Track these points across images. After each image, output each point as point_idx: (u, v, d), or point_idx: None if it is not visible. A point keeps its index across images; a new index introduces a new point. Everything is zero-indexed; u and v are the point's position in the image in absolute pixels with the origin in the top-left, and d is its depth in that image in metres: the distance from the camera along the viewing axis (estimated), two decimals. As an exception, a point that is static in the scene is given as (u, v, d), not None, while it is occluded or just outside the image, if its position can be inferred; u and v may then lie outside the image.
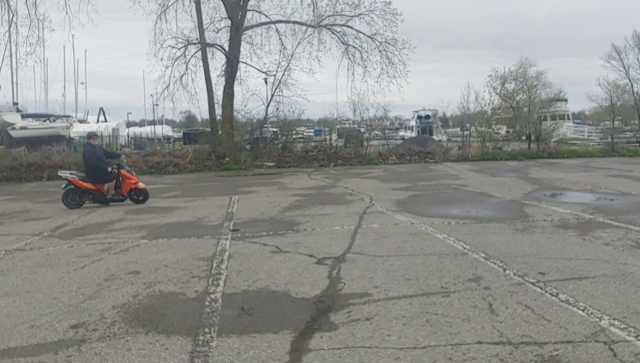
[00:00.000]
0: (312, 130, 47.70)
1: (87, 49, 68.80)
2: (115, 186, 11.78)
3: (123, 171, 11.79)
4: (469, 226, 8.25)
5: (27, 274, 6.03)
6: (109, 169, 11.54)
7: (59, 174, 12.47)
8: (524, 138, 29.89)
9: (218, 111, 23.59)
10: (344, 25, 23.83)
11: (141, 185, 12.08)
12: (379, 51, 23.83)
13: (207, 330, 4.13)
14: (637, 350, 3.53)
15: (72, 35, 43.76)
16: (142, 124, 60.06)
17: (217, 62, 24.67)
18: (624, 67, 30.31)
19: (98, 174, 11.57)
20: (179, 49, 22.97)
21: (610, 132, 30.35)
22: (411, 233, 7.74)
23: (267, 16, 24.09)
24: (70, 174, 12.03)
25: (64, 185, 11.79)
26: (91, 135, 13.11)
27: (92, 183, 11.60)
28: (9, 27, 22.76)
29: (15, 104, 37.71)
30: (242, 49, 23.64)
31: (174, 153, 24.29)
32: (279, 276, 5.62)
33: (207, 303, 4.80)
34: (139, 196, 12.00)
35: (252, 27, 24.10)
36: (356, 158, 23.95)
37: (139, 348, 3.81)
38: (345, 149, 25.58)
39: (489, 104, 27.82)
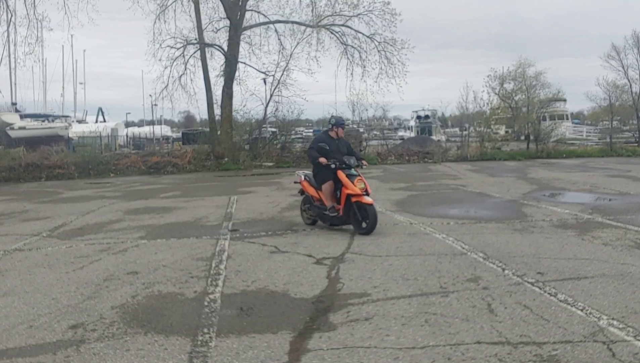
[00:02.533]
0: (311, 130, 47.67)
1: (86, 49, 68.52)
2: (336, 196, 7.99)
3: (340, 174, 7.81)
4: (468, 226, 8.25)
5: (25, 274, 6.02)
6: (320, 160, 7.83)
7: (296, 174, 9.16)
8: (522, 138, 29.94)
9: (217, 111, 23.57)
10: (342, 25, 23.81)
11: (367, 199, 7.59)
12: (378, 51, 23.83)
13: (205, 330, 4.13)
14: (636, 350, 3.54)
15: (71, 35, 43.67)
16: (140, 124, 59.96)
17: (216, 62, 24.65)
18: (623, 67, 30.41)
19: (314, 169, 8.31)
20: (178, 49, 22.97)
21: (609, 133, 30.37)
22: (410, 233, 7.74)
23: (265, 16, 24.10)
24: (304, 175, 8.70)
25: (299, 190, 8.88)
26: (336, 122, 8.43)
27: (315, 186, 8.26)
28: (8, 27, 22.76)
29: (13, 104, 37.72)
30: (241, 49, 23.64)
31: (173, 153, 24.20)
32: (277, 276, 5.62)
33: (206, 303, 4.80)
34: (363, 217, 7.64)
35: (251, 27, 24.09)
36: (355, 158, 23.84)
37: (138, 349, 3.81)
38: (344, 149, 25.45)
39: (487, 104, 27.88)
